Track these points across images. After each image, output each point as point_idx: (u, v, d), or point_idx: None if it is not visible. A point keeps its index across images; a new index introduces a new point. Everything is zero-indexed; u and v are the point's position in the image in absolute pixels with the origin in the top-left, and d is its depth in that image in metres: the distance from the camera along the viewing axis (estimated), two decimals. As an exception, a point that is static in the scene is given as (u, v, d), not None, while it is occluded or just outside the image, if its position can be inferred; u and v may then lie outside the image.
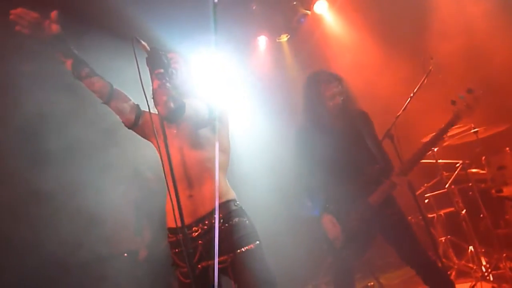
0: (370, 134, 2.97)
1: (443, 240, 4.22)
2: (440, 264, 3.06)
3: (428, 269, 2.74)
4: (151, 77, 1.95)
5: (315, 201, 3.00)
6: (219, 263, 2.04)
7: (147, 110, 1.99)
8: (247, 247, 2.08)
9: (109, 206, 3.90)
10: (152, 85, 1.94)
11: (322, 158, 2.94)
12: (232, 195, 2.22)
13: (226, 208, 2.14)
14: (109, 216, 3.96)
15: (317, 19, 5.36)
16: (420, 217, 4.20)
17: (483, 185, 4.05)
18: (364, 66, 5.18)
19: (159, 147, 1.97)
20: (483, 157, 3.99)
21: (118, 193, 3.97)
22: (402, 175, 2.80)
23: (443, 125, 2.77)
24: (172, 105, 1.91)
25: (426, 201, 4.37)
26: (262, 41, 5.60)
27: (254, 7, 5.08)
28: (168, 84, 1.95)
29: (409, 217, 4.42)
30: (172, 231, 2.18)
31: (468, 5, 4.53)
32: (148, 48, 1.94)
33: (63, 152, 3.72)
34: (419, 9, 4.77)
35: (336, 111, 2.98)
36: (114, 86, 2.19)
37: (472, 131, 3.87)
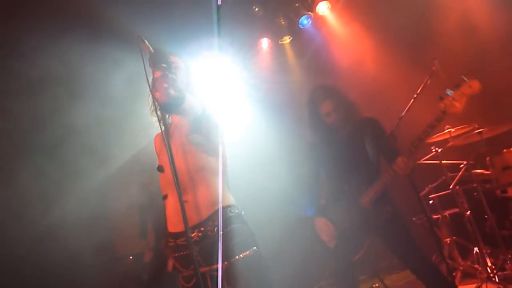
0: (374, 138, 3.01)
1: (448, 241, 4.20)
2: (444, 265, 3.07)
3: (423, 272, 2.74)
4: (153, 71, 1.96)
5: (310, 201, 3.08)
6: (214, 270, 2.06)
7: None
8: (242, 254, 2.07)
9: (114, 209, 3.93)
10: (153, 76, 1.96)
11: (325, 168, 3.11)
12: (229, 201, 2.20)
13: (222, 214, 2.12)
14: (115, 219, 3.98)
15: (319, 20, 5.36)
16: (425, 218, 4.19)
17: (487, 186, 4.03)
18: (367, 67, 5.18)
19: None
20: (488, 158, 3.98)
21: (123, 196, 3.98)
22: (410, 156, 2.77)
23: (429, 122, 2.77)
24: (172, 92, 1.93)
25: (431, 202, 4.35)
26: (265, 43, 5.61)
27: (256, 9, 5.09)
28: (170, 75, 1.97)
29: (414, 218, 4.41)
30: (172, 235, 2.18)
31: (470, 6, 4.53)
32: (151, 48, 1.95)
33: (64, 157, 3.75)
34: (421, 10, 4.77)
35: (336, 125, 3.09)
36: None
37: (476, 131, 3.86)
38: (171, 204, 2.18)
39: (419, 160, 4.17)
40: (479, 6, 4.46)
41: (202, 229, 2.10)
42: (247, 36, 5.38)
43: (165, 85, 1.93)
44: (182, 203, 1.81)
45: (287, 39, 5.54)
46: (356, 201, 2.91)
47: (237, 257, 2.06)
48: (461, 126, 3.99)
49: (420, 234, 4.17)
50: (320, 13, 5.19)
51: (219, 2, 1.69)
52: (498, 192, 3.87)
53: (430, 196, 4.35)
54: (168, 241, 2.21)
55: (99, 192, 3.88)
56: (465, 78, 2.70)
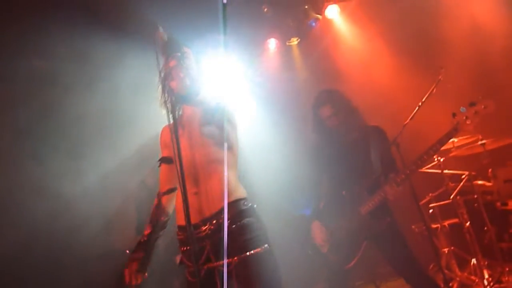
0: (379, 147, 3.02)
1: (446, 251, 4.19)
2: (441, 275, 3.07)
3: (417, 281, 2.74)
4: (166, 60, 1.93)
5: (308, 202, 3.08)
6: (223, 265, 1.99)
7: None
8: (253, 251, 2.00)
9: (111, 203, 3.93)
10: (168, 65, 1.93)
11: (327, 172, 3.11)
12: (241, 193, 2.13)
13: (235, 207, 2.06)
14: (112, 214, 3.98)
15: (328, 23, 5.35)
16: (424, 227, 4.18)
17: (488, 198, 4.01)
18: (373, 72, 5.17)
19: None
20: (490, 170, 3.96)
21: (120, 190, 3.98)
22: (396, 186, 2.78)
23: (440, 137, 2.77)
24: (188, 82, 1.91)
25: (431, 211, 4.34)
26: (272, 43, 5.60)
27: (265, 9, 5.08)
28: (185, 65, 1.95)
29: (413, 226, 4.40)
30: (181, 229, 2.13)
31: (479, 15, 4.51)
32: (165, 36, 1.94)
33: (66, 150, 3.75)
34: (429, 18, 4.76)
35: (339, 129, 3.09)
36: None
37: (480, 142, 3.85)
38: (181, 196, 2.10)
39: (422, 169, 4.16)
40: (488, 16, 4.45)
41: (214, 221, 2.03)
42: (254, 36, 5.37)
43: (182, 74, 1.92)
44: (186, 197, 1.76)
45: (294, 41, 5.53)
46: (354, 209, 2.90)
47: (248, 253, 1.99)
48: (465, 137, 3.98)
49: (418, 243, 4.15)
50: (329, 17, 5.19)
51: (225, 1, 1.69)
52: (498, 204, 3.86)
53: (430, 205, 4.33)
54: (177, 234, 2.15)
55: (99, 185, 3.87)
56: (481, 98, 2.69)
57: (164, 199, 2.24)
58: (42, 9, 3.61)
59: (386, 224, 2.84)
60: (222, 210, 2.02)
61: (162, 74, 1.96)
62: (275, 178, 4.82)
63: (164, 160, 2.25)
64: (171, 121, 1.93)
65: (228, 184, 2.06)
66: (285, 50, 5.68)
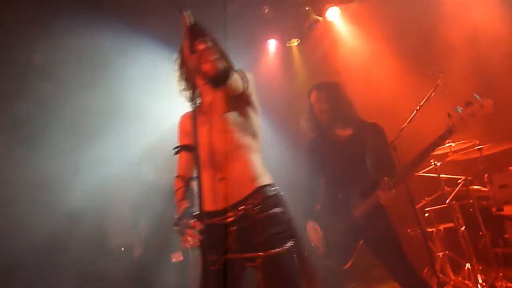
0: (376, 145, 2.93)
1: (441, 255, 4.19)
2: (435, 279, 3.06)
3: (411, 285, 2.71)
4: (192, 44, 1.89)
5: (304, 204, 3.04)
6: (248, 259, 1.92)
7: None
8: (282, 248, 1.89)
9: (107, 200, 3.92)
10: (196, 48, 1.91)
11: (324, 173, 3.03)
12: (268, 179, 2.06)
13: (263, 193, 1.98)
14: (108, 210, 3.97)
15: (328, 25, 5.36)
16: (419, 231, 4.19)
17: (484, 203, 4.02)
18: (372, 75, 5.18)
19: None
20: (486, 175, 3.97)
21: (116, 187, 3.98)
22: (388, 190, 2.74)
23: (434, 139, 2.70)
24: (220, 65, 1.88)
25: (426, 215, 4.35)
26: (272, 44, 5.61)
27: (266, 10, 5.09)
28: (216, 48, 1.94)
29: (408, 230, 4.40)
30: (206, 214, 1.99)
31: (480, 19, 4.52)
32: (192, 21, 1.88)
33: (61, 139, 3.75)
34: (429, 22, 4.77)
35: (332, 123, 3.01)
36: None
37: (477, 147, 3.86)
38: (206, 182, 2.02)
39: (418, 172, 4.17)
40: (490, 20, 4.45)
41: (242, 207, 1.95)
42: (254, 36, 5.38)
43: (212, 57, 1.89)
44: (200, 183, 1.66)
45: (294, 42, 5.54)
46: (349, 212, 2.86)
47: (277, 250, 1.88)
48: (462, 141, 3.99)
49: (412, 247, 4.16)
50: (330, 19, 5.20)
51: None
52: (494, 209, 3.87)
53: (426, 209, 4.34)
54: (202, 220, 1.97)
55: (96, 184, 3.87)
56: (478, 97, 2.56)
57: (192, 184, 2.14)
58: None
59: (381, 228, 2.80)
60: (249, 196, 1.95)
61: (190, 59, 1.92)
62: (273, 179, 4.82)
63: (185, 148, 2.18)
64: (192, 108, 1.86)
65: (254, 169, 2.01)
66: (285, 51, 5.69)
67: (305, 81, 5.62)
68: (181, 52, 2.20)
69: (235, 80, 1.98)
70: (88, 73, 4.01)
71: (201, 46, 1.93)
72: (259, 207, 1.94)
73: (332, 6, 5.09)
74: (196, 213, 1.89)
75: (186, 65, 2.15)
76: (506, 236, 3.91)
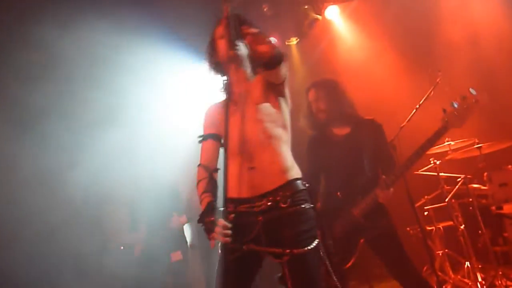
0: (374, 142, 2.93)
1: (440, 254, 4.20)
2: (434, 277, 3.07)
3: (411, 283, 2.71)
4: (241, 29, 1.92)
5: None
6: (274, 255, 1.89)
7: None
8: (309, 247, 1.87)
9: (105, 199, 3.91)
10: (247, 32, 1.92)
11: (323, 165, 3.02)
12: (298, 172, 2.04)
13: (294, 187, 1.97)
14: (106, 209, 3.97)
15: (327, 24, 5.35)
16: (419, 229, 4.19)
17: (483, 201, 4.02)
18: (372, 74, 5.17)
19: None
20: (485, 173, 3.97)
21: (114, 186, 3.97)
22: (386, 188, 2.74)
23: (429, 136, 2.69)
24: (276, 47, 1.89)
25: (426, 213, 4.35)
26: (271, 42, 5.60)
27: (265, 9, 5.08)
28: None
29: (408, 228, 4.40)
30: (232, 201, 1.95)
31: (480, 18, 4.52)
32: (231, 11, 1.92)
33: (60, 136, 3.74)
34: (429, 21, 4.77)
35: (330, 122, 3.00)
36: None
37: (476, 146, 3.86)
38: (234, 170, 1.97)
39: (417, 171, 4.17)
40: (487, 20, 4.46)
41: (271, 198, 1.92)
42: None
43: (267, 39, 1.89)
44: (225, 171, 1.72)
45: (294, 41, 5.53)
46: (349, 211, 2.85)
47: (306, 248, 1.86)
48: (461, 140, 3.99)
49: (412, 245, 4.16)
50: (329, 17, 5.19)
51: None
52: (493, 208, 3.87)
53: (426, 208, 4.35)
54: (227, 206, 1.92)
55: (92, 180, 3.85)
56: (473, 91, 2.57)
57: (215, 175, 2.11)
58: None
59: (381, 226, 2.80)
60: (280, 187, 1.93)
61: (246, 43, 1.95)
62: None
63: (211, 137, 2.15)
64: (226, 96, 1.95)
65: (285, 161, 2.00)
66: (284, 50, 5.68)
67: (304, 80, 5.60)
68: (213, 42, 2.20)
69: (284, 67, 1.97)
70: (89, 69, 4.01)
71: (253, 30, 1.92)
72: (290, 199, 1.93)
73: (331, 4, 5.08)
74: (221, 209, 1.86)
75: (219, 54, 2.15)
76: (506, 234, 3.91)
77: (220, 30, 2.13)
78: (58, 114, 3.82)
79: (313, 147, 3.12)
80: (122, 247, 3.89)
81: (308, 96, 3.12)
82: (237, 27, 1.93)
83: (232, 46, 1.96)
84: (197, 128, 2.25)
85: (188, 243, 4.28)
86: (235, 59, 2.05)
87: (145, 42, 4.12)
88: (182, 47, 4.50)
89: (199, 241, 4.43)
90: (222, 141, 2.11)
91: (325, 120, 3.02)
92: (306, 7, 5.09)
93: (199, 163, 2.12)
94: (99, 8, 3.82)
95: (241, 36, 1.94)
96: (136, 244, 3.91)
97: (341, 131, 3.01)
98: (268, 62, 1.91)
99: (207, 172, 2.07)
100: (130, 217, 4.01)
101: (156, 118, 4.32)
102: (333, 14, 5.16)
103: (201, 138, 2.17)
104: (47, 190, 3.61)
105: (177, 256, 3.95)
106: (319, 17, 5.11)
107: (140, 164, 4.06)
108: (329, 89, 3.06)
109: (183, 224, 4.15)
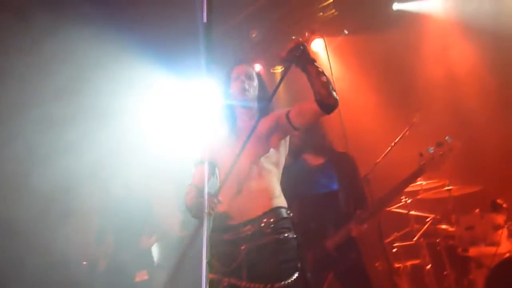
0: (347, 177, 2.97)
1: (406, 292, 4.21)
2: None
3: None
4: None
5: None
6: None
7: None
8: (289, 280, 1.87)
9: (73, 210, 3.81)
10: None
11: (296, 194, 2.97)
12: (284, 202, 2.10)
13: (277, 214, 2.00)
14: (71, 221, 3.85)
15: (312, 56, 5.45)
16: (387, 266, 4.20)
17: (450, 242, 4.07)
18: (350, 108, 5.25)
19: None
20: (453, 215, 4.04)
21: (81, 198, 3.87)
22: (360, 223, 2.77)
23: (405, 177, 2.77)
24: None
25: (395, 250, 4.38)
26: (257, 68, 5.65)
27: (253, 35, 5.16)
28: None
29: (377, 264, 4.41)
30: (219, 229, 2.01)
31: (453, 63, 4.69)
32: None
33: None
34: (411, 61, 4.91)
35: (305, 151, 3.03)
36: None
37: (446, 188, 3.94)
38: (224, 198, 1.97)
39: (389, 207, 4.21)
40: (466, 64, 4.60)
41: (256, 224, 1.95)
42: (239, 59, 5.42)
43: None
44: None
45: (278, 69, 5.61)
46: (321, 243, 2.85)
47: (283, 282, 1.86)
48: (433, 181, 4.06)
49: (380, 281, 4.16)
50: (314, 50, 5.30)
51: (204, 20, 1.73)
52: (460, 250, 3.92)
53: (394, 245, 4.38)
54: (214, 236, 1.99)
55: (60, 185, 3.74)
56: (448, 139, 2.69)
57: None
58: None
59: (351, 260, 2.81)
60: (265, 213, 1.97)
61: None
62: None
63: (206, 163, 2.16)
64: (231, 129, 2.12)
65: (273, 190, 2.06)
66: (269, 77, 5.74)
67: (287, 107, 5.66)
68: (228, 77, 2.30)
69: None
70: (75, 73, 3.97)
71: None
72: (272, 225, 1.95)
73: (318, 37, 5.20)
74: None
75: (233, 93, 2.25)
76: (471, 277, 3.95)
77: (239, 70, 2.26)
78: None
79: (287, 174, 3.11)
80: (84, 263, 3.76)
81: None
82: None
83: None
84: (176, 142, 2.28)
85: (155, 263, 4.18)
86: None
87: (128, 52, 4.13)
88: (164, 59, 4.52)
89: (166, 262, 4.33)
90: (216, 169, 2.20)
91: (298, 148, 3.02)
92: (293, 37, 5.18)
93: (190, 182, 2.17)
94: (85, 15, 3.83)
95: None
96: (101, 258, 3.79)
97: (315, 161, 3.03)
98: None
99: (197, 191, 2.10)
100: (98, 228, 3.91)
101: (135, 127, 4.28)
102: (319, 46, 5.28)
103: (196, 162, 2.22)
104: (10, 192, 3.50)
105: (142, 275, 3.84)
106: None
107: (113, 171, 3.99)
108: None
109: (152, 245, 4.06)
